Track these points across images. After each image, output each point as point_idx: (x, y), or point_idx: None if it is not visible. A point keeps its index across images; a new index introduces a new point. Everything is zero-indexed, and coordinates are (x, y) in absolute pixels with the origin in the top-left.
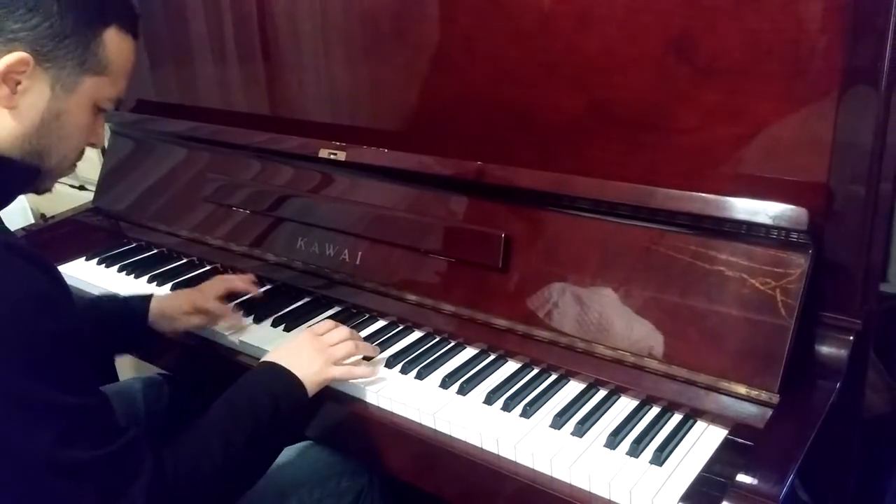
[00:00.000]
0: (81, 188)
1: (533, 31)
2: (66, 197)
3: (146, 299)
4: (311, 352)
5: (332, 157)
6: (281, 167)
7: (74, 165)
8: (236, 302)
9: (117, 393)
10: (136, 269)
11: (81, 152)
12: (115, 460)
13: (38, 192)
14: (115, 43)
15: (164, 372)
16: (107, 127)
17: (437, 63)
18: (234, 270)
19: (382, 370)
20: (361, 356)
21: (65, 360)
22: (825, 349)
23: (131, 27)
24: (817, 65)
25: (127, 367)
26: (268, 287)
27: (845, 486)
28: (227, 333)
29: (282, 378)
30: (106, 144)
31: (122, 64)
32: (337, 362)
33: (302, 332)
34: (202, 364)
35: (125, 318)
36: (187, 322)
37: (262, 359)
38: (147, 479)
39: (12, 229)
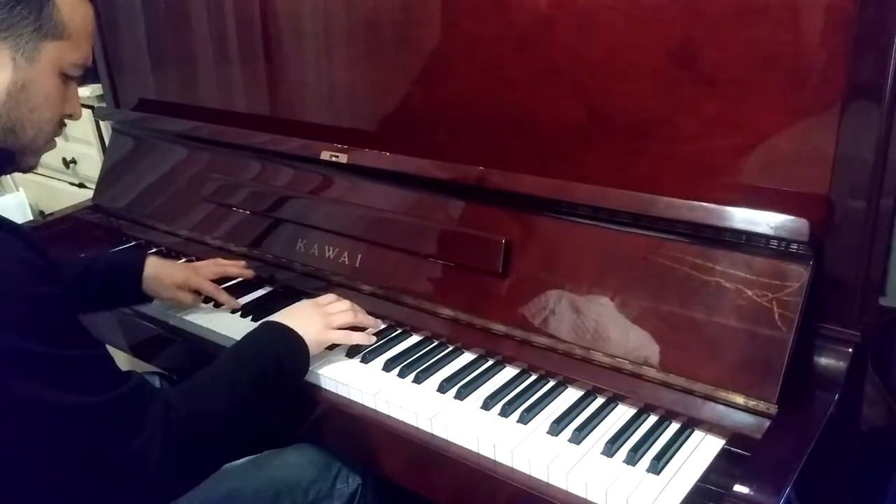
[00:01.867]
0: (81, 186)
1: (535, 38)
2: (65, 194)
3: (141, 260)
4: (312, 315)
5: (333, 159)
6: (281, 168)
7: (54, 140)
8: (228, 284)
9: None
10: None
11: (59, 124)
12: (129, 399)
13: (23, 170)
14: (69, 5)
15: (159, 370)
16: (107, 125)
17: (439, 67)
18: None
19: (380, 373)
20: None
21: (58, 319)
22: (824, 361)
23: None
24: (820, 77)
25: (122, 365)
26: (268, 290)
27: (841, 499)
28: (226, 333)
29: (285, 335)
30: (107, 141)
31: (81, 26)
32: (336, 328)
33: (304, 301)
34: (196, 363)
35: (120, 276)
36: (175, 295)
37: (264, 320)
38: (161, 414)
39: None
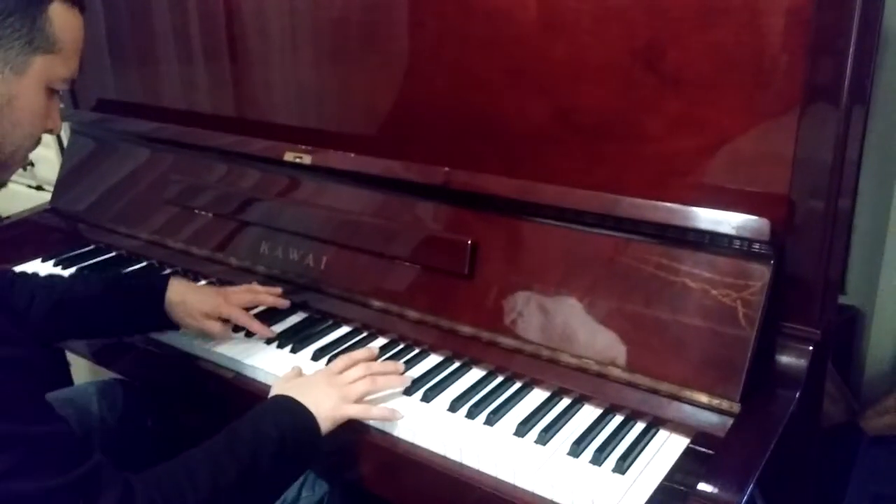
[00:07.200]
0: (39, 188)
1: (500, 38)
2: (22, 197)
3: (164, 283)
4: (326, 387)
5: (297, 160)
6: (246, 170)
7: (27, 156)
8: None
9: (71, 398)
10: (94, 272)
11: (38, 140)
12: (72, 491)
13: None
14: (62, 18)
15: (119, 376)
16: (66, 126)
17: (405, 68)
18: (196, 275)
19: None
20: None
21: (4, 387)
22: (785, 359)
23: (77, 0)
24: (780, 79)
25: (82, 372)
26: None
27: (803, 495)
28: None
29: (292, 411)
30: (65, 142)
31: (72, 40)
32: (354, 400)
33: (317, 372)
34: (158, 369)
35: (141, 300)
36: (201, 324)
37: (273, 390)
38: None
39: None
